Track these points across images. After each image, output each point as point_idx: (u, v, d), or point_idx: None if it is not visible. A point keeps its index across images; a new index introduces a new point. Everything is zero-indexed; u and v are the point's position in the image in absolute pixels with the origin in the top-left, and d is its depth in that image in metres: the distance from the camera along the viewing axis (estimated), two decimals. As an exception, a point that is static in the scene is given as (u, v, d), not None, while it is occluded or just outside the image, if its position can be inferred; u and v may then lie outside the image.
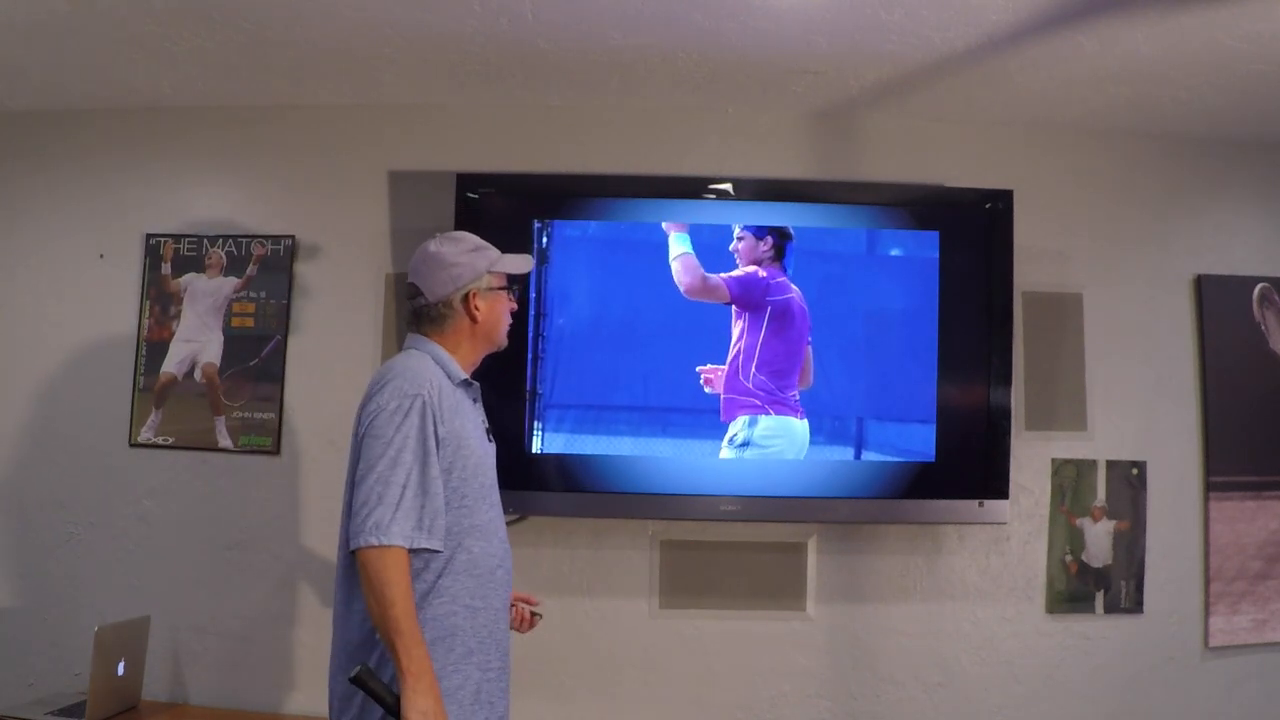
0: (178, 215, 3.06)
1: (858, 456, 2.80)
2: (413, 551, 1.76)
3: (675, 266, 2.78)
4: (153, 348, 3.02)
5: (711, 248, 2.81)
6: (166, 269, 3.04)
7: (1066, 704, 2.93)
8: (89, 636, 2.55)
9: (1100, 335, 3.02)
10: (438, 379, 1.86)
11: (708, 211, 2.84)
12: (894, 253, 2.88)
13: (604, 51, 2.64)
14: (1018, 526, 2.96)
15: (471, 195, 2.82)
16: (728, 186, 2.86)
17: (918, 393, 2.81)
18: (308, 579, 2.92)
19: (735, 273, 2.79)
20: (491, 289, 1.99)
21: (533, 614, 2.19)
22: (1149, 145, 3.10)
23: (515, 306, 2.08)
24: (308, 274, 3.02)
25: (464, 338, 1.97)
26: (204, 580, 2.94)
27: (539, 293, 2.79)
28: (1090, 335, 3.02)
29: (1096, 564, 2.97)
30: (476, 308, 1.96)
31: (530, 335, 2.77)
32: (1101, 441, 3.00)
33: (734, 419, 2.77)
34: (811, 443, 2.78)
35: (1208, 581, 2.99)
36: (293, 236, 3.03)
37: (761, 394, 2.77)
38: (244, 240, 3.03)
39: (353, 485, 1.80)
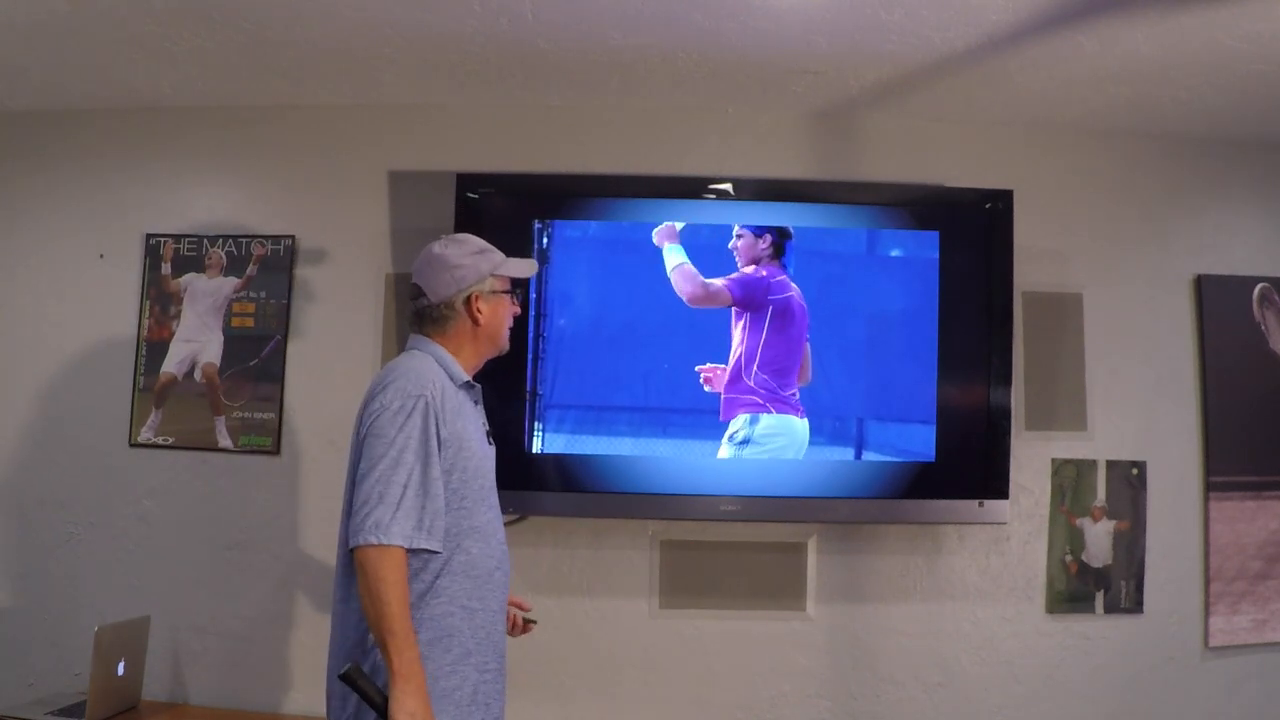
0: (178, 215, 3.06)
1: (858, 457, 2.80)
2: (411, 552, 1.76)
3: (674, 278, 2.78)
4: (153, 348, 3.02)
5: (711, 248, 2.81)
6: (166, 269, 3.04)
7: (1066, 704, 2.93)
8: (89, 636, 2.55)
9: (1100, 335, 3.02)
10: (440, 380, 1.86)
11: (708, 211, 2.84)
12: (894, 253, 2.88)
13: (604, 51, 2.64)
14: (1018, 526, 2.96)
15: (471, 195, 2.82)
16: (728, 186, 2.86)
17: (918, 393, 2.81)
18: (308, 579, 2.92)
19: (735, 275, 2.79)
20: (494, 292, 1.99)
21: (526, 620, 2.18)
22: (1149, 145, 3.10)
23: (518, 310, 2.09)
24: (308, 274, 3.02)
25: (466, 340, 1.97)
26: (204, 580, 2.94)
27: (539, 293, 2.79)
28: (1090, 335, 3.02)
29: (1096, 564, 2.97)
30: (479, 310, 1.96)
31: (530, 335, 2.77)
32: (1101, 441, 3.00)
33: (735, 417, 2.77)
34: (812, 443, 2.78)
35: (1208, 581, 2.99)
36: (293, 236, 3.03)
37: (763, 392, 2.77)
38: (244, 240, 3.03)
39: (353, 485, 1.80)
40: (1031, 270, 2.98)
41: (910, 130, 3.04)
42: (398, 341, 2.94)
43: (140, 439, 2.99)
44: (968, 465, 2.80)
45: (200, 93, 2.97)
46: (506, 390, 2.73)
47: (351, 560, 1.76)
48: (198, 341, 3.01)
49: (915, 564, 2.95)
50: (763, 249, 2.80)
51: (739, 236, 2.81)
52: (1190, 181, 3.11)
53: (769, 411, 2.77)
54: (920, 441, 2.80)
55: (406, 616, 1.71)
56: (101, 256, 3.06)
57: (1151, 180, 3.10)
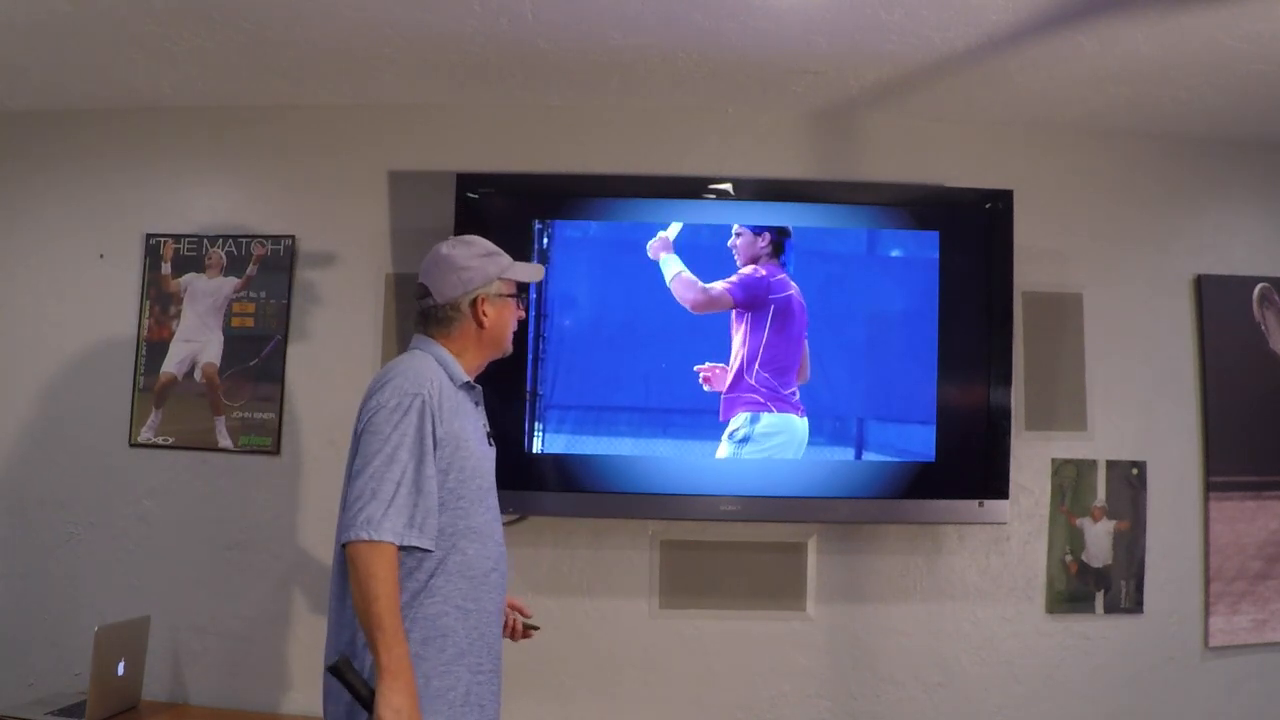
0: (178, 215, 3.06)
1: (858, 457, 2.80)
2: (404, 550, 1.77)
3: (674, 288, 2.78)
4: (153, 348, 3.02)
5: (711, 248, 2.81)
6: (166, 269, 3.04)
7: (1066, 704, 2.93)
8: (89, 636, 2.55)
9: (1100, 335, 3.02)
10: (439, 380, 1.86)
11: (708, 211, 2.84)
12: (894, 253, 2.88)
13: (604, 51, 2.64)
14: (1018, 526, 2.96)
15: (471, 195, 2.82)
16: (728, 186, 2.86)
17: (917, 393, 2.81)
18: (308, 579, 2.92)
19: (735, 278, 2.79)
20: (500, 295, 2.00)
21: (527, 626, 2.17)
22: (1149, 145, 3.10)
23: (523, 315, 2.09)
24: (308, 274, 3.02)
25: (470, 341, 1.98)
26: (204, 580, 2.94)
27: (540, 293, 2.79)
28: (1090, 335, 3.02)
29: (1096, 564, 2.97)
30: (484, 313, 1.97)
31: (531, 336, 2.77)
32: (1101, 441, 3.00)
33: (736, 416, 2.77)
34: (812, 443, 2.78)
35: (1208, 581, 2.99)
36: (293, 236, 3.03)
37: (764, 391, 2.77)
38: (244, 240, 3.03)
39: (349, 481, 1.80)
40: (1031, 270, 2.98)
41: (910, 130, 3.04)
42: (398, 341, 2.94)
43: (140, 439, 2.99)
44: (968, 465, 2.80)
45: (200, 93, 2.97)
46: (507, 391, 2.73)
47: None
48: (198, 341, 3.01)
49: (915, 564, 2.95)
50: (761, 247, 2.81)
51: (738, 235, 2.81)
52: (1190, 181, 3.11)
53: (770, 410, 2.77)
54: (920, 441, 2.80)
55: (396, 613, 1.71)
56: (101, 256, 3.06)
57: (1151, 180, 3.10)
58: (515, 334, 2.07)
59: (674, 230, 2.80)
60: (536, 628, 2.18)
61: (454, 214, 2.79)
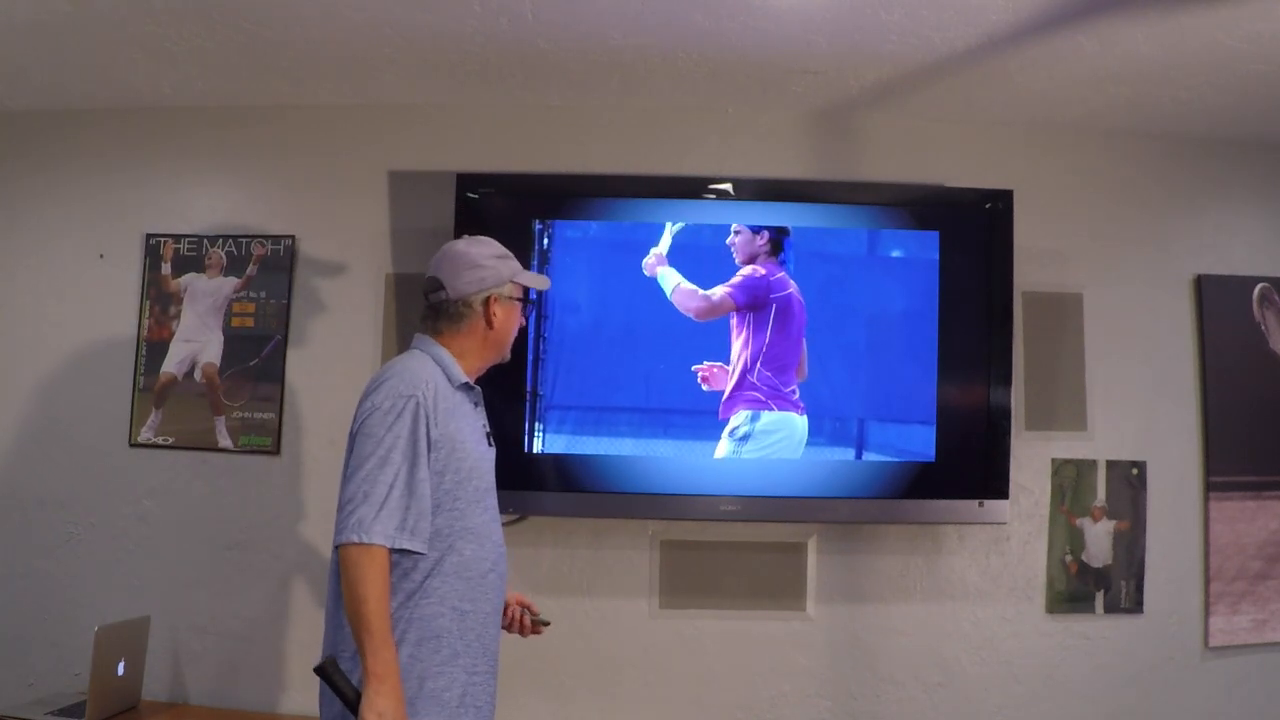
0: (178, 215, 3.06)
1: (859, 457, 2.80)
2: (399, 551, 1.76)
3: (675, 300, 2.78)
4: (153, 348, 3.02)
5: (711, 248, 2.81)
6: (166, 269, 3.04)
7: (1066, 704, 2.93)
8: (89, 636, 2.55)
9: (1100, 335, 3.02)
10: (435, 381, 1.86)
11: (708, 211, 2.84)
12: (894, 253, 2.88)
13: (604, 51, 2.64)
14: (1018, 526, 2.96)
15: (471, 195, 2.82)
16: (728, 186, 2.86)
17: (918, 393, 2.81)
18: (308, 579, 2.92)
19: (736, 281, 2.79)
20: (510, 298, 2.00)
21: (535, 622, 2.15)
22: (1149, 145, 3.10)
23: (524, 322, 2.09)
24: (308, 274, 3.02)
25: (475, 341, 1.97)
26: (204, 580, 2.94)
27: (541, 294, 2.79)
28: (1090, 335, 3.02)
29: (1096, 564, 2.97)
30: (494, 313, 1.97)
31: (531, 337, 2.77)
32: (1101, 441, 3.00)
33: (737, 413, 2.77)
34: (813, 443, 2.78)
35: (1208, 581, 2.99)
36: (293, 236, 3.03)
37: (765, 389, 2.77)
38: (244, 240, 3.03)
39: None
40: (1031, 270, 2.98)
41: (910, 130, 3.04)
42: (398, 342, 2.94)
43: (140, 439, 2.99)
44: (968, 465, 2.80)
45: (200, 93, 2.97)
46: (507, 391, 2.72)
47: None
48: (198, 341, 3.01)
49: (915, 564, 2.95)
50: (760, 245, 2.81)
51: (736, 233, 2.81)
52: (1190, 181, 3.11)
53: (770, 408, 2.77)
54: (920, 441, 2.80)
55: (384, 616, 1.71)
56: (101, 256, 3.06)
57: (1151, 180, 3.10)
58: (515, 340, 2.07)
59: (665, 244, 2.80)
60: (547, 623, 2.16)
61: (454, 214, 2.79)
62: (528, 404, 2.78)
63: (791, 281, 2.80)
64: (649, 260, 2.80)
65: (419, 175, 3.01)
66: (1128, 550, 2.97)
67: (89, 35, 2.57)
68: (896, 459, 2.81)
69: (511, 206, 2.84)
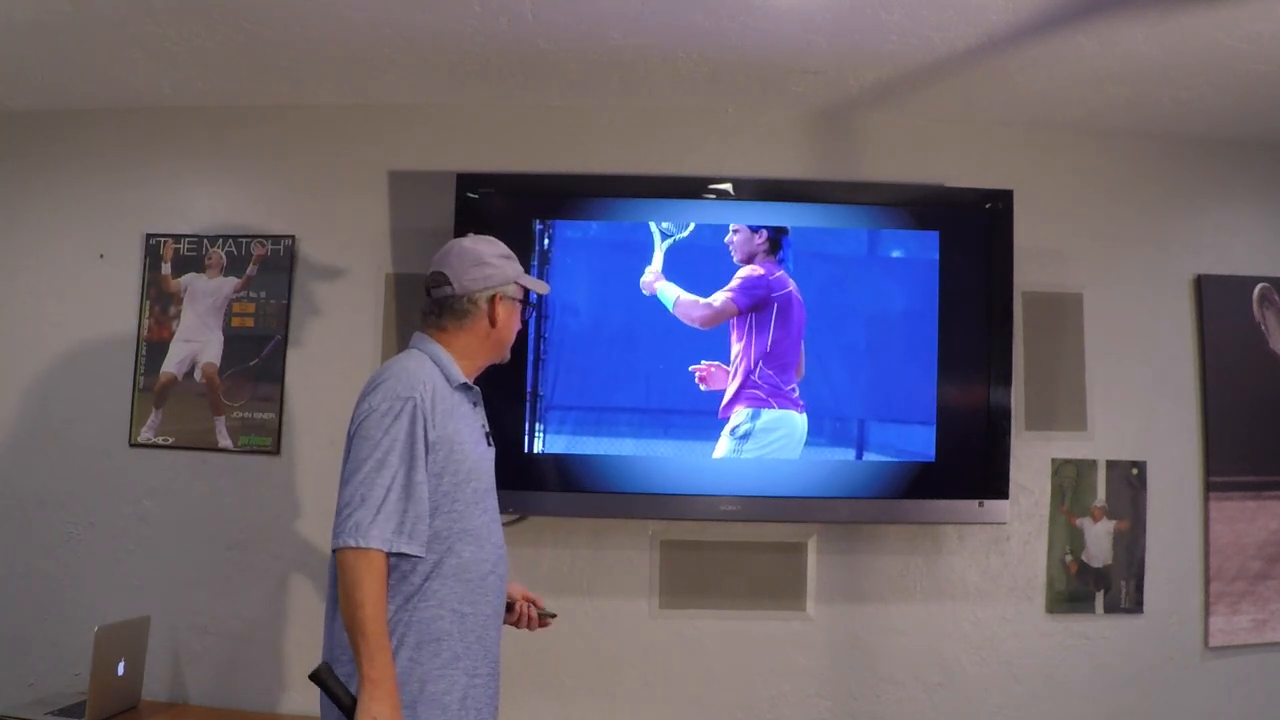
0: (178, 215, 3.06)
1: (859, 457, 2.80)
2: (397, 554, 1.75)
3: (679, 314, 2.78)
4: (153, 348, 3.02)
5: (711, 248, 2.81)
6: (166, 269, 3.04)
7: (1066, 704, 2.93)
8: (89, 636, 2.55)
9: (1100, 335, 3.02)
10: (433, 381, 1.85)
11: (708, 212, 2.84)
12: (894, 253, 2.88)
13: (604, 51, 2.64)
14: (1018, 526, 2.96)
15: (471, 195, 2.82)
16: (728, 186, 2.86)
17: (918, 393, 2.81)
18: (308, 579, 2.92)
19: (735, 284, 2.79)
20: (513, 299, 2.00)
21: (542, 614, 2.15)
22: (1149, 145, 3.10)
23: (522, 326, 2.08)
24: (308, 274, 3.02)
25: (476, 340, 1.96)
26: (204, 580, 2.94)
27: (540, 296, 2.79)
28: (1090, 335, 3.02)
29: (1096, 564, 2.97)
30: (497, 313, 1.96)
31: (531, 337, 2.77)
32: (1101, 441, 3.00)
33: (738, 412, 2.77)
34: (814, 444, 2.78)
35: (1208, 581, 2.99)
36: (293, 236, 3.03)
37: (766, 387, 2.77)
38: (244, 240, 3.03)
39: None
40: (1031, 270, 2.98)
41: (910, 130, 3.04)
42: (398, 342, 2.94)
43: (140, 439, 2.99)
44: (968, 465, 2.80)
45: (200, 93, 2.97)
46: (508, 392, 2.73)
47: None
48: (198, 341, 3.01)
49: (915, 564, 2.95)
50: (758, 244, 2.81)
51: (735, 231, 2.81)
52: (1190, 181, 3.11)
53: (771, 406, 2.78)
54: (920, 441, 2.80)
55: (380, 620, 1.70)
56: (101, 256, 3.06)
57: (1151, 180, 3.10)
58: (514, 342, 2.06)
59: (659, 260, 2.80)
60: (553, 615, 2.16)
61: (454, 214, 2.79)
62: (528, 404, 2.78)
63: (790, 280, 2.80)
64: (646, 279, 2.80)
65: (419, 175, 3.01)
66: (1128, 550, 2.97)
67: (89, 35, 2.57)
68: (896, 459, 2.81)
69: (511, 206, 2.84)
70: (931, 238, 2.84)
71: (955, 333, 2.81)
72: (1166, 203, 3.10)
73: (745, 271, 2.80)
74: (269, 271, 3.01)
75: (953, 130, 3.05)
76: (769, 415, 2.78)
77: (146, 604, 2.89)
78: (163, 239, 3.05)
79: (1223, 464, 3.01)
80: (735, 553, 2.94)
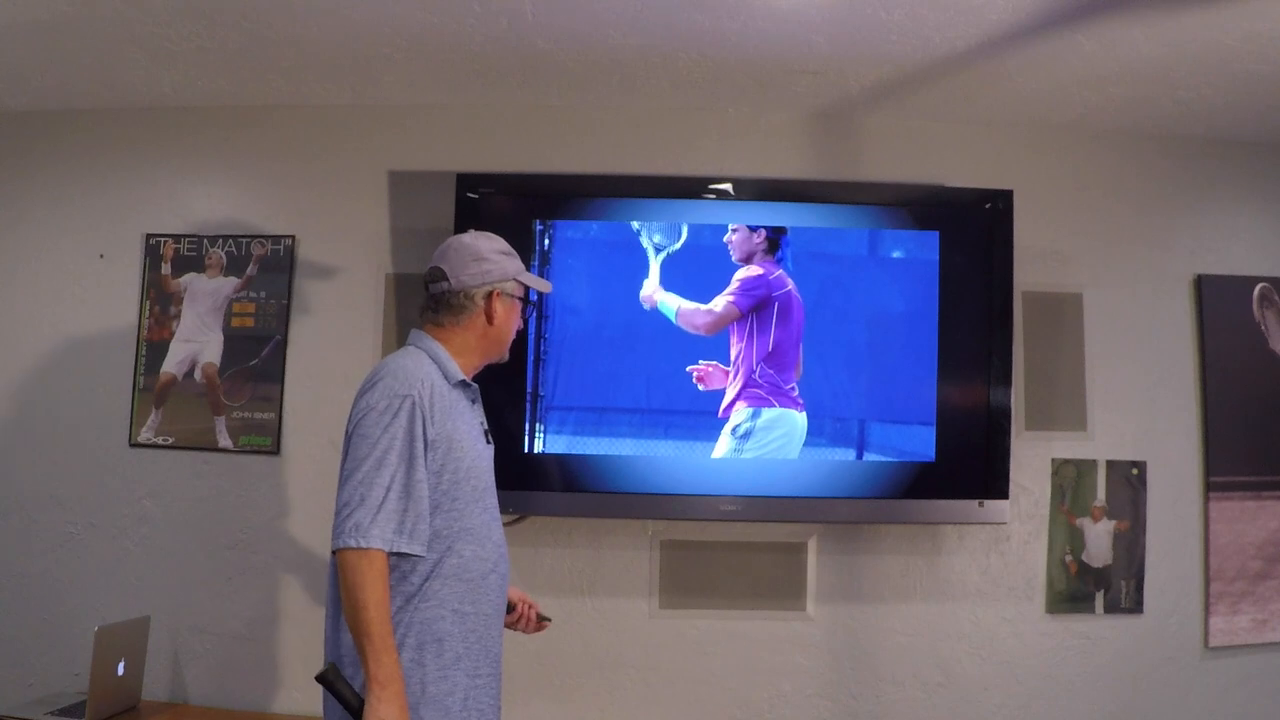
0: (178, 215, 3.07)
1: (859, 457, 2.80)
2: (396, 555, 1.74)
3: (682, 323, 2.78)
4: (153, 348, 3.02)
5: (712, 248, 2.81)
6: (166, 269, 3.04)
7: (1066, 704, 2.93)
8: (89, 636, 2.55)
9: (1100, 335, 3.02)
10: (431, 378, 1.83)
11: (708, 212, 2.84)
12: (894, 253, 2.88)
13: (604, 51, 2.64)
14: (1018, 526, 2.96)
15: (471, 195, 2.82)
16: (728, 186, 2.86)
17: (918, 393, 2.81)
18: (308, 579, 2.92)
19: (735, 288, 2.79)
20: (512, 296, 1.98)
21: (540, 618, 2.16)
22: (1149, 145, 3.10)
23: (522, 325, 2.06)
24: (308, 274, 3.02)
25: (474, 337, 1.95)
26: (204, 580, 2.94)
27: (541, 295, 2.79)
28: (1090, 335, 3.02)
29: (1096, 564, 2.97)
30: (495, 309, 1.94)
31: (531, 337, 2.77)
32: (1101, 441, 3.00)
33: (738, 411, 2.77)
34: (814, 444, 2.78)
35: (1208, 581, 2.99)
36: (293, 236, 3.03)
37: (767, 386, 2.77)
38: (244, 240, 3.03)
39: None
40: (1031, 270, 2.98)
41: (910, 130, 3.04)
42: (398, 342, 2.94)
43: (140, 439, 2.99)
44: (968, 465, 2.80)
45: (200, 93, 2.97)
46: (508, 392, 2.73)
47: None
48: (198, 341, 3.01)
49: (915, 564, 2.95)
50: (757, 243, 2.81)
51: (734, 230, 2.81)
52: (1190, 181, 3.11)
53: (772, 405, 2.78)
54: (920, 442, 2.80)
55: (385, 621, 1.69)
56: (101, 256, 3.06)
57: (1151, 180, 3.10)
58: (514, 340, 2.04)
59: (655, 275, 2.79)
60: (549, 619, 2.17)
61: (454, 214, 2.79)
62: (528, 405, 2.78)
63: (789, 279, 2.80)
64: (644, 295, 2.79)
65: (419, 175, 3.01)
66: (1128, 550, 2.97)
67: (89, 35, 2.57)
68: (896, 459, 2.81)
69: (512, 206, 2.84)
70: (931, 238, 2.84)
71: (955, 333, 2.81)
72: (1166, 203, 3.10)
73: (744, 273, 2.80)
74: (269, 271, 3.01)
75: (953, 130, 3.05)
76: (769, 414, 2.78)
77: (146, 604, 2.89)
78: (163, 239, 3.05)
79: (1223, 464, 3.01)
80: (735, 553, 2.94)
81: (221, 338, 3.01)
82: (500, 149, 3.02)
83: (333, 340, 2.99)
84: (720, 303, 2.79)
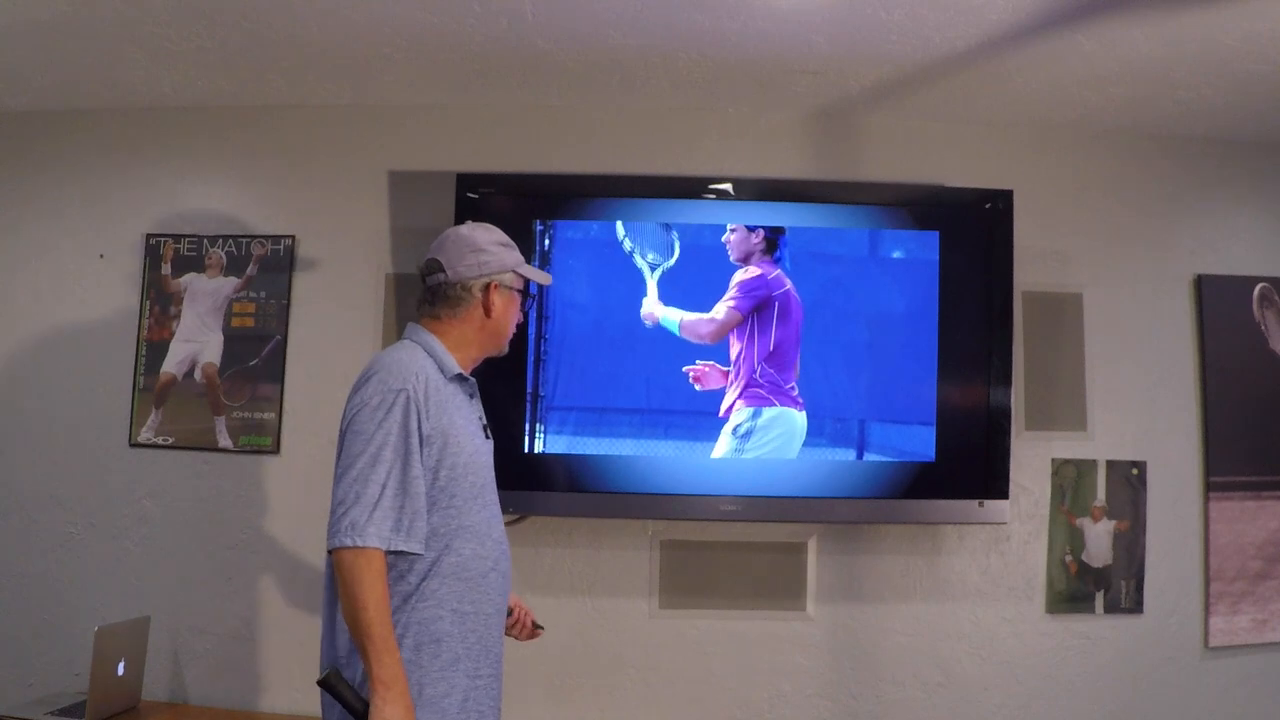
0: (178, 215, 3.07)
1: (859, 457, 2.80)
2: (394, 552, 1.71)
3: (686, 334, 2.78)
4: (153, 348, 3.02)
5: (711, 248, 2.81)
6: (166, 269, 3.04)
7: (1066, 704, 2.93)
8: (89, 636, 2.55)
9: (1100, 335, 3.02)
10: (426, 372, 1.79)
11: (708, 211, 2.84)
12: (894, 253, 2.88)
13: (604, 51, 2.64)
14: (1018, 526, 2.96)
15: (471, 195, 2.82)
16: (727, 186, 2.86)
17: (918, 393, 2.81)
18: (308, 579, 2.92)
19: (735, 291, 2.79)
20: (510, 289, 1.95)
21: (534, 625, 2.14)
22: (1149, 145, 3.10)
23: (523, 318, 2.04)
24: (308, 274, 3.02)
25: (471, 329, 1.91)
26: (204, 580, 2.94)
27: (542, 294, 2.79)
28: (1090, 335, 3.02)
29: (1096, 564, 2.97)
30: (493, 301, 1.91)
31: (531, 337, 2.77)
32: (1101, 441, 3.00)
33: (739, 410, 2.77)
34: (814, 444, 2.78)
35: (1208, 581, 2.98)
36: (293, 236, 3.03)
37: (767, 385, 2.77)
38: (244, 240, 3.03)
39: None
40: (1031, 270, 2.98)
41: (910, 130, 3.04)
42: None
43: (140, 439, 2.99)
44: (968, 465, 2.80)
45: (200, 93, 2.97)
46: (508, 392, 2.73)
47: None
48: (198, 341, 3.01)
49: (915, 564, 2.95)
50: (755, 243, 2.81)
51: (732, 230, 2.81)
52: (1190, 181, 3.11)
53: (772, 404, 2.78)
54: (920, 442, 2.80)
55: (385, 621, 1.66)
56: (101, 256, 3.06)
57: (1151, 180, 3.10)
58: (514, 336, 2.02)
59: (653, 291, 2.79)
60: (542, 627, 2.17)
61: (454, 214, 2.78)
62: (528, 405, 2.78)
63: (787, 279, 2.80)
64: (645, 312, 2.79)
65: (419, 175, 3.01)
66: (1128, 550, 2.97)
67: (89, 35, 2.57)
68: (896, 459, 2.81)
69: (512, 206, 2.84)
70: (931, 238, 2.84)
71: (955, 333, 2.81)
72: (1166, 203, 3.10)
73: (741, 275, 2.80)
74: (269, 271, 3.01)
75: (953, 130, 3.05)
76: (770, 413, 2.78)
77: (146, 604, 2.89)
78: (163, 239, 3.05)
79: (1223, 464, 3.01)
80: (735, 553, 2.94)
81: (221, 338, 3.01)
82: (500, 149, 3.02)
83: (333, 340, 2.99)
84: (721, 309, 2.78)
